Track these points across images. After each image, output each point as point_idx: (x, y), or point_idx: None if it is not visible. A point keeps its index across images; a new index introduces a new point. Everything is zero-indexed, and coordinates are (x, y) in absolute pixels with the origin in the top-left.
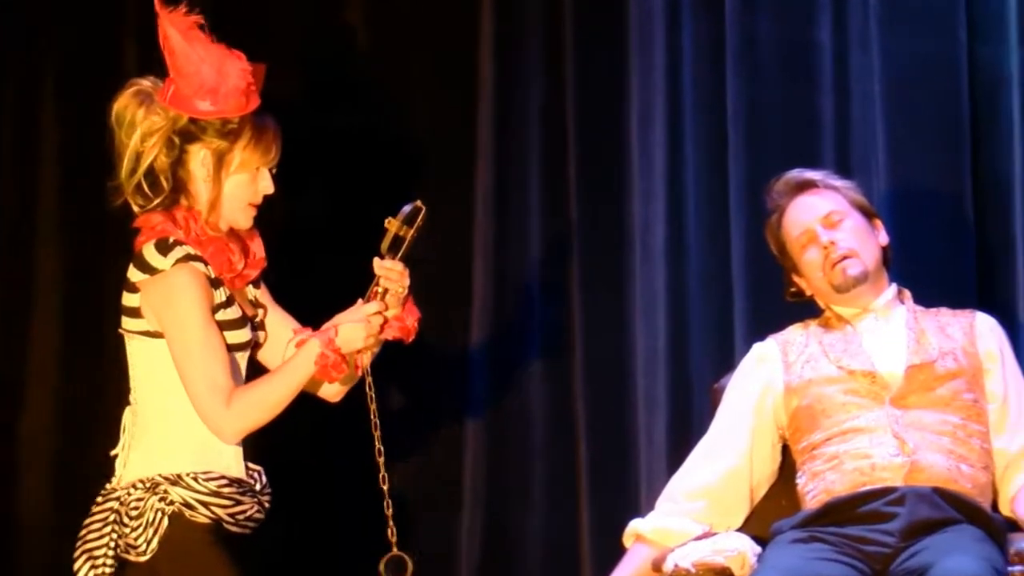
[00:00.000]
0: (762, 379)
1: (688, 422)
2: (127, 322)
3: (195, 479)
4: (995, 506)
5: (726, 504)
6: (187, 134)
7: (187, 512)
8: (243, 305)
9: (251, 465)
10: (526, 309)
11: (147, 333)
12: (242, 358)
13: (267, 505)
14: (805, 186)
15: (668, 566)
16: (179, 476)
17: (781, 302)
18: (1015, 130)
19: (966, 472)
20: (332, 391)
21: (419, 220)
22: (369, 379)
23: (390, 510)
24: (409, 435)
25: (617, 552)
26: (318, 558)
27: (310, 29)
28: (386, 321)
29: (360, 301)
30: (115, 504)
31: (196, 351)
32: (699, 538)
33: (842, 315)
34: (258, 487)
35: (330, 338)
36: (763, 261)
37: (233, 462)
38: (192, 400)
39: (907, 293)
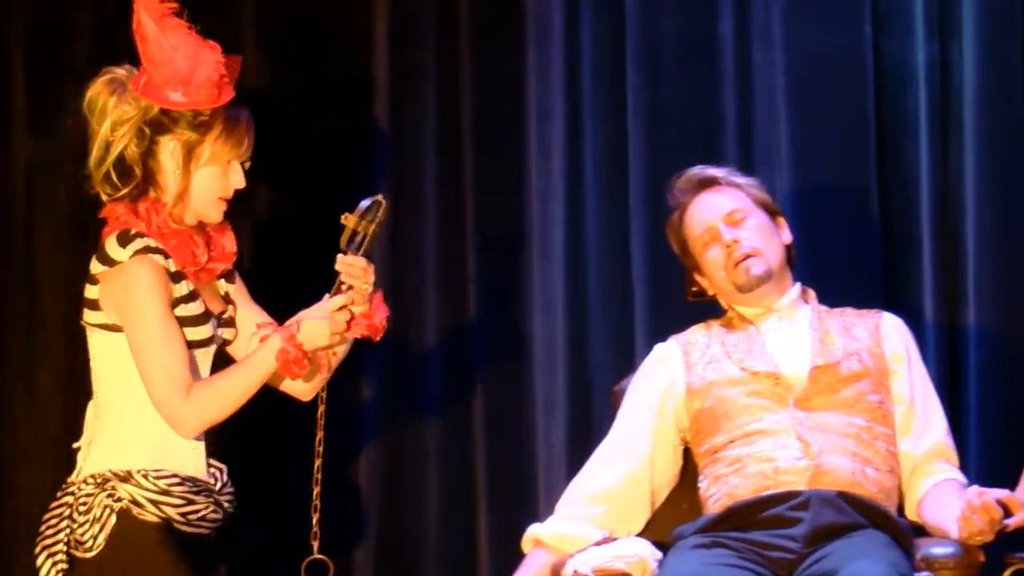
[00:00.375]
0: (663, 380)
1: (588, 425)
2: (88, 315)
3: (145, 476)
4: (901, 510)
5: (626, 508)
6: (158, 125)
7: (135, 510)
8: (209, 300)
9: (214, 463)
10: (422, 309)
11: (106, 326)
12: (204, 355)
13: (226, 505)
14: (707, 183)
15: (567, 572)
16: (130, 473)
17: (683, 302)
18: (921, 126)
19: (871, 476)
20: (302, 389)
21: (379, 214)
22: (323, 407)
23: (317, 513)
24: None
25: (516, 557)
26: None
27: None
28: (353, 318)
29: (326, 296)
30: (70, 499)
31: (154, 343)
32: (599, 543)
33: (745, 315)
34: (217, 486)
35: (292, 334)
36: (664, 260)
37: (190, 460)
38: (150, 393)
39: (811, 293)
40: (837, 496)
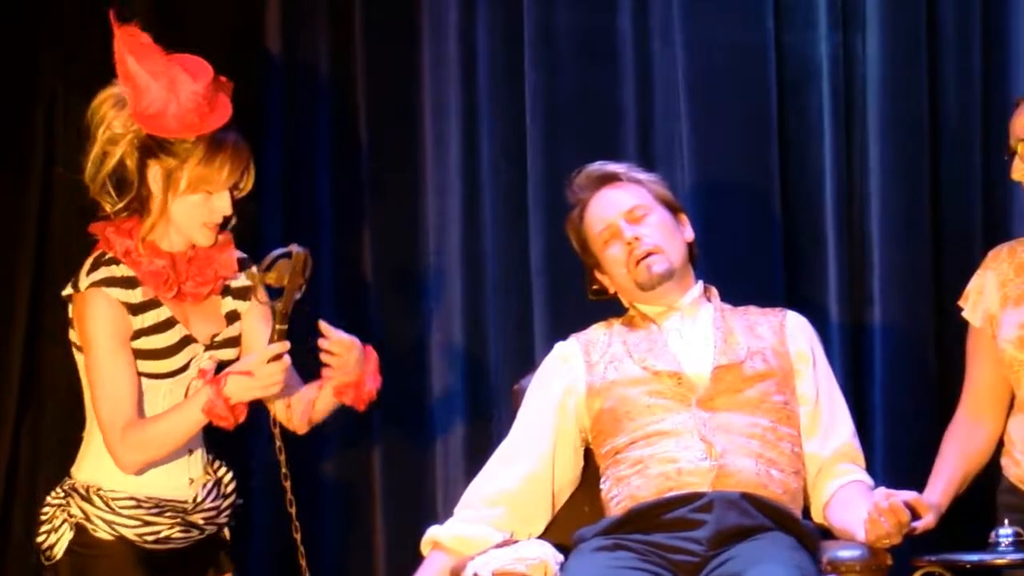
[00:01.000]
0: (564, 380)
1: (487, 425)
2: (70, 332)
3: (100, 496)
4: (807, 512)
5: (527, 510)
6: (146, 148)
7: (89, 526)
8: (198, 323)
9: (207, 474)
10: (318, 307)
11: (75, 345)
12: (176, 383)
13: (200, 522)
14: (607, 179)
15: (467, 575)
16: (88, 489)
17: (583, 300)
18: (825, 122)
19: (776, 477)
20: (294, 424)
21: (296, 267)
22: (276, 430)
23: (298, 533)
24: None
25: (414, 560)
26: None
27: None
28: (348, 387)
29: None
30: (46, 507)
31: (98, 380)
32: (499, 545)
33: (647, 313)
34: (191, 505)
35: (219, 388)
36: (564, 257)
37: (163, 481)
38: (107, 429)
39: (714, 290)
40: (741, 498)
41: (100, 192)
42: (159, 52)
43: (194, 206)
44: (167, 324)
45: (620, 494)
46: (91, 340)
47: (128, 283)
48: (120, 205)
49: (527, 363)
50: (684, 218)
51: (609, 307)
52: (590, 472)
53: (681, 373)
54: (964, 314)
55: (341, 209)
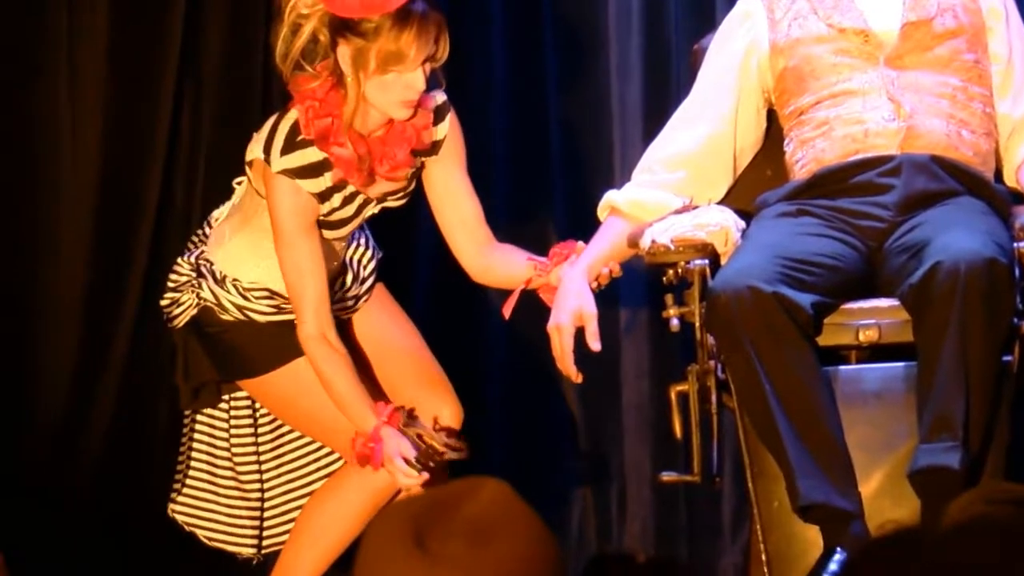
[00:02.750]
0: (746, 38)
1: (666, 87)
2: (247, 166)
3: (235, 285)
4: (999, 176)
5: (708, 174)
6: (334, 26)
7: (217, 309)
8: (375, 187)
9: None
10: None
11: (258, 192)
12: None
13: (337, 306)
14: None
15: (645, 242)
16: (225, 277)
17: None
18: None
19: (967, 138)
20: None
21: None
22: None
23: None
24: None
25: (590, 226)
26: None
27: None
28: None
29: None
30: (178, 268)
31: (287, 259)
32: (679, 211)
33: None
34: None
35: (376, 436)
36: None
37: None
38: (295, 307)
39: None
40: (931, 160)
41: (295, 71)
42: None
43: (387, 85)
44: (351, 197)
45: (804, 157)
46: (281, 222)
47: (319, 169)
48: (322, 77)
49: (708, 21)
50: None
51: None
52: (773, 134)
53: (868, 30)
54: None
55: None
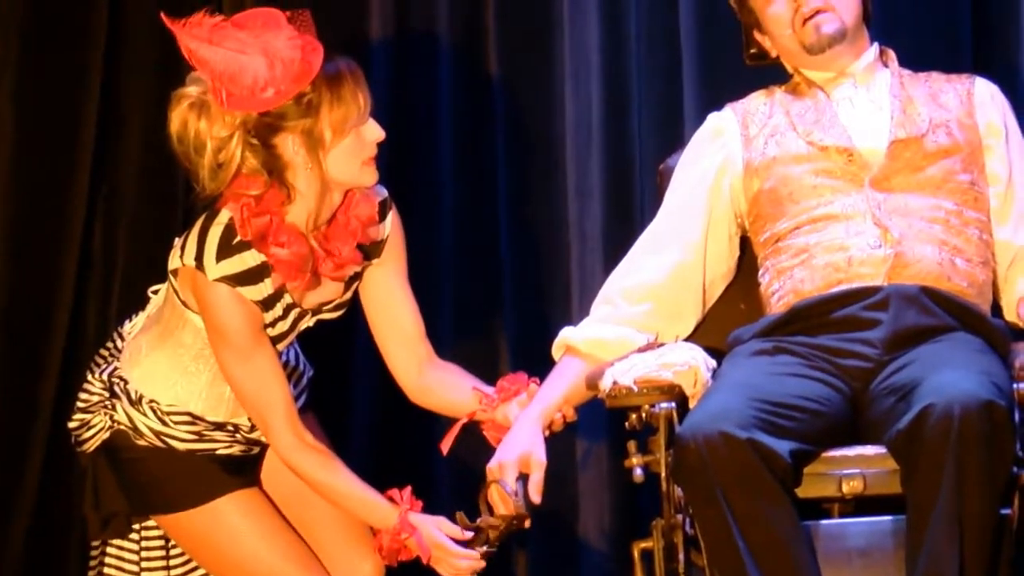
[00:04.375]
0: (718, 156)
1: (629, 210)
2: (171, 275)
3: (153, 408)
4: (996, 310)
5: (675, 307)
6: (265, 128)
7: (132, 434)
8: (309, 295)
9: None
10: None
11: (186, 304)
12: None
13: (265, 440)
14: None
15: (605, 383)
16: (141, 397)
17: (740, 65)
18: None
19: (962, 268)
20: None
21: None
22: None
23: None
24: None
25: (544, 366)
26: None
27: None
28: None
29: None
30: (88, 387)
31: (244, 376)
32: (642, 349)
33: (814, 80)
34: (250, 427)
35: (407, 532)
36: (718, 16)
37: (229, 408)
38: (261, 423)
39: (891, 54)
40: (921, 292)
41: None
42: (228, 25)
43: (349, 150)
44: (289, 308)
45: (782, 288)
46: (230, 336)
47: (260, 274)
48: (254, 179)
49: (675, 137)
50: None
51: (770, 74)
52: (747, 263)
53: (852, 148)
54: None
55: None
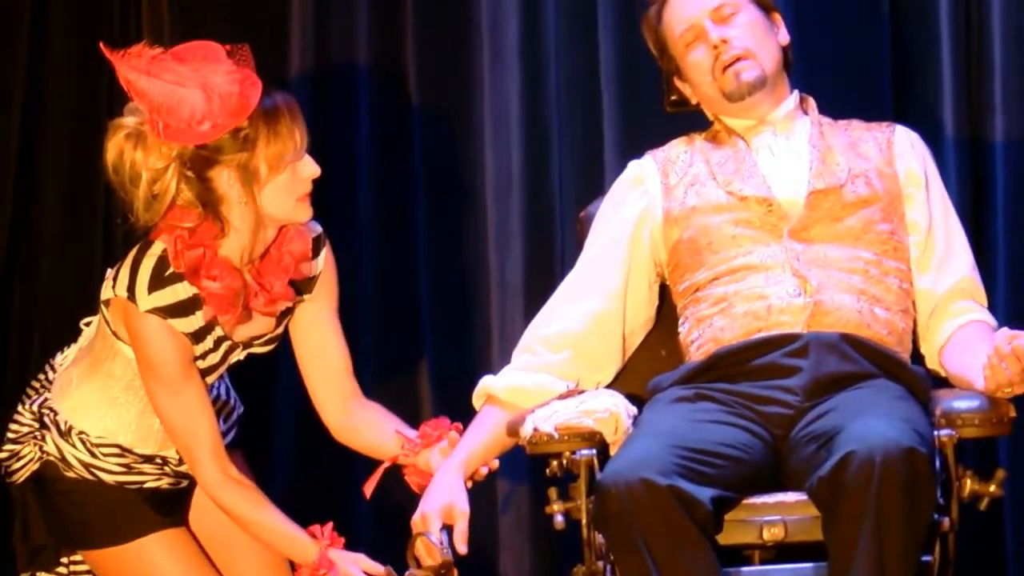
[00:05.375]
0: (638, 205)
1: (548, 258)
2: (102, 305)
3: (82, 439)
4: (917, 358)
5: (595, 355)
6: (201, 161)
7: (61, 466)
8: (240, 328)
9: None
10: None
11: (116, 335)
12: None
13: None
14: None
15: (526, 430)
16: (71, 428)
17: (660, 113)
18: None
19: (881, 316)
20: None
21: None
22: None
23: None
24: None
25: (465, 415)
26: None
27: None
28: None
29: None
30: (19, 417)
31: (172, 408)
32: (563, 396)
33: (734, 128)
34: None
35: (328, 568)
36: (638, 63)
37: (157, 440)
38: (187, 456)
39: (811, 102)
40: (841, 339)
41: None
42: (168, 58)
43: (284, 186)
44: (220, 341)
45: (701, 336)
46: (159, 368)
47: (191, 307)
48: (188, 211)
49: (596, 186)
50: (778, 18)
51: (689, 121)
52: (667, 312)
53: (772, 199)
54: None
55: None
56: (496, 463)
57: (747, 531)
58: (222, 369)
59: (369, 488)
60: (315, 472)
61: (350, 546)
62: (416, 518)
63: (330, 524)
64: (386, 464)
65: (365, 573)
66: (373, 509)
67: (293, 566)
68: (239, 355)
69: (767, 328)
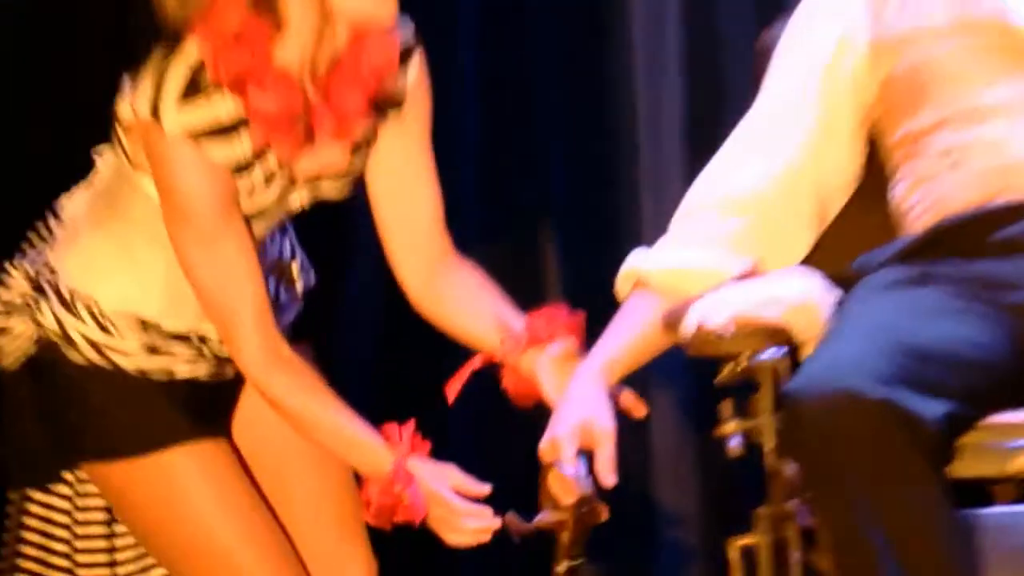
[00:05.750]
0: (836, 30)
1: (715, 97)
2: (118, 126)
3: (92, 312)
4: None
5: (781, 223)
6: None
7: (63, 345)
8: (303, 160)
9: None
10: None
11: (134, 164)
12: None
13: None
14: None
15: (689, 324)
16: (74, 296)
17: None
18: None
19: None
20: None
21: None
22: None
23: None
24: None
25: (606, 308)
26: None
27: None
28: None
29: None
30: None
31: (204, 263)
32: (738, 279)
33: None
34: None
35: (406, 483)
36: None
37: (191, 311)
38: (222, 328)
39: None
40: None
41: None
42: None
43: None
44: (272, 178)
45: (923, 201)
46: (189, 209)
47: (233, 129)
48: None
49: (776, 5)
50: None
51: None
52: (875, 170)
53: (1008, 24)
54: None
55: None
56: (643, 408)
57: (990, 460)
58: (276, 216)
59: (452, 391)
60: (396, 362)
61: (440, 455)
62: (544, 445)
63: (411, 424)
64: (476, 362)
65: (456, 492)
66: (471, 413)
67: (360, 480)
68: (301, 198)
69: (1009, 191)
